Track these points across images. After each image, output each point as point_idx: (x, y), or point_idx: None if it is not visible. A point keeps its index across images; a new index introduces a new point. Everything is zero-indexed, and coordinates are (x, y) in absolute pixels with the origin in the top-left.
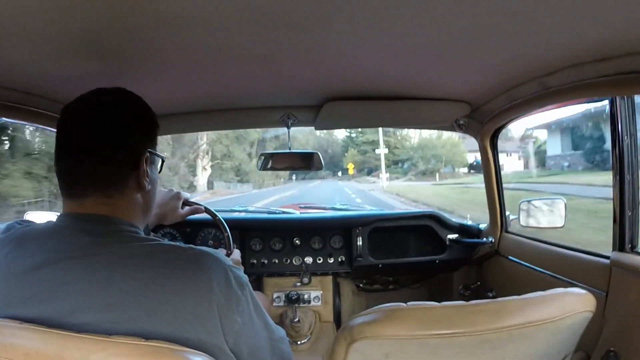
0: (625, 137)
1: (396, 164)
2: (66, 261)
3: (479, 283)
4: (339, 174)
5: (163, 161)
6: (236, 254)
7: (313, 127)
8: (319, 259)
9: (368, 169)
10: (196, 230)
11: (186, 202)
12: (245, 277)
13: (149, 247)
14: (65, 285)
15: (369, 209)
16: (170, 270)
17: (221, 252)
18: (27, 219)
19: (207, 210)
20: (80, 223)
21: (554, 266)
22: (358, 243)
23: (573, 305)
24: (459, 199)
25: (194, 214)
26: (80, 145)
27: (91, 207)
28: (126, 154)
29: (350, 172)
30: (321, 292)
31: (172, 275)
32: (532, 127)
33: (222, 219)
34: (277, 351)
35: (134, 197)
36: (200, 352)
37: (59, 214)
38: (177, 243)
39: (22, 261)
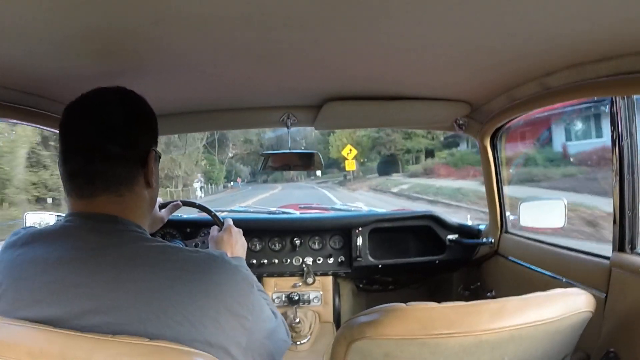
0: (625, 138)
1: (450, 147)
2: (75, 263)
3: (478, 283)
4: (318, 173)
5: (160, 157)
6: (228, 222)
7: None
8: (319, 260)
9: (385, 161)
10: (196, 230)
11: (161, 205)
12: (252, 276)
13: (156, 248)
14: (74, 287)
15: (368, 209)
16: (179, 272)
17: (223, 252)
18: (27, 219)
19: (184, 203)
20: (89, 223)
21: (554, 266)
22: (358, 243)
23: (573, 305)
24: None
25: (174, 211)
26: (90, 145)
27: (101, 206)
28: (135, 153)
29: (351, 167)
30: (321, 292)
31: (181, 277)
32: None
33: (202, 204)
34: (281, 336)
35: (142, 195)
36: (204, 353)
37: (58, 213)
38: (178, 242)
39: (31, 264)
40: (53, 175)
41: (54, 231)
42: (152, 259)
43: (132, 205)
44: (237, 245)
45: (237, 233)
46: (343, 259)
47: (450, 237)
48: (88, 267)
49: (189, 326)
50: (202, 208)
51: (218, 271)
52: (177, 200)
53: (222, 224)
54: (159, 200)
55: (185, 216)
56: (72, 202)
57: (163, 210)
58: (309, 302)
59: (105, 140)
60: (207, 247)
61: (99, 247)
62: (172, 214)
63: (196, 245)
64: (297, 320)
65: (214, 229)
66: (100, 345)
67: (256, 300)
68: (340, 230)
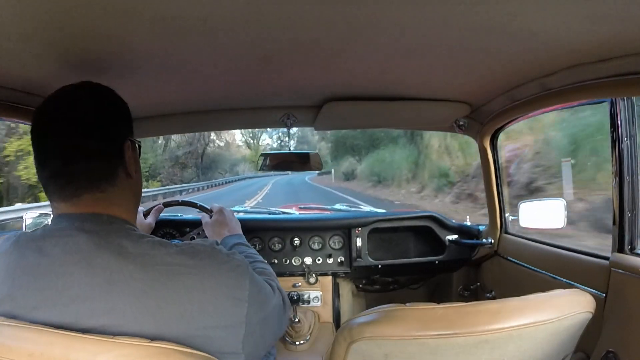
0: (625, 139)
1: None
2: (66, 267)
3: (478, 284)
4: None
5: (140, 146)
6: (216, 206)
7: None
8: (319, 260)
9: None
10: (195, 228)
11: (145, 212)
12: (244, 261)
13: (146, 245)
14: (67, 291)
15: (368, 210)
16: (172, 267)
17: (213, 241)
18: (27, 218)
19: (165, 204)
20: (76, 224)
21: (554, 267)
22: (357, 244)
23: (572, 306)
24: None
25: (158, 215)
26: (68, 144)
27: (86, 205)
28: (112, 145)
29: None
30: (321, 292)
31: (175, 273)
32: None
33: (185, 199)
34: (278, 309)
35: (125, 187)
36: (205, 354)
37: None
38: (178, 242)
39: (24, 271)
40: None
41: (42, 236)
42: (143, 257)
43: (116, 200)
44: (232, 223)
45: (229, 212)
46: (343, 259)
47: (450, 237)
48: (79, 270)
49: (188, 322)
50: (185, 203)
51: (211, 262)
52: (159, 204)
53: (211, 210)
54: (141, 208)
55: (184, 216)
56: (56, 205)
57: (148, 216)
58: (308, 302)
59: (82, 137)
60: (204, 236)
61: (88, 248)
62: (171, 215)
63: (192, 239)
64: (297, 320)
65: (205, 217)
66: (102, 347)
67: (253, 283)
68: (340, 231)
